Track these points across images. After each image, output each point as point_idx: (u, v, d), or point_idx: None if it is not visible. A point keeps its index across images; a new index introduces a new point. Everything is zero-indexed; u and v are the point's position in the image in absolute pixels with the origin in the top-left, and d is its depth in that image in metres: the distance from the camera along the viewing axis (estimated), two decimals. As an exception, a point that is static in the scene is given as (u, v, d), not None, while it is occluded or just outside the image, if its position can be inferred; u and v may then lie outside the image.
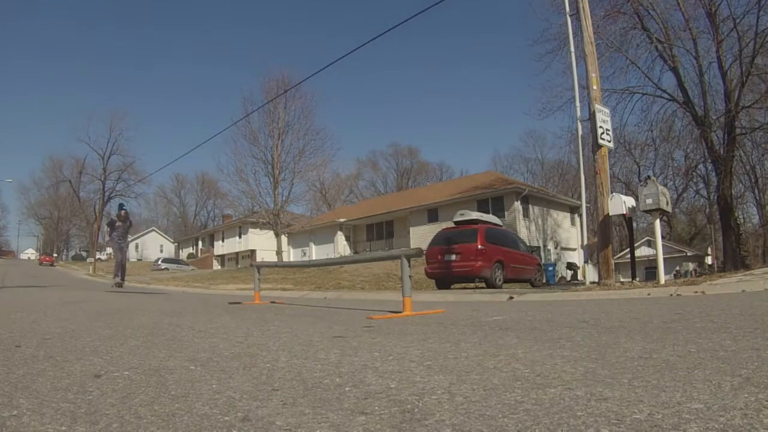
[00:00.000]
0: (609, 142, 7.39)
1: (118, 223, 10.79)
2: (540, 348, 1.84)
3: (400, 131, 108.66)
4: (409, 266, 3.53)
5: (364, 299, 6.61)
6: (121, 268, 11.11)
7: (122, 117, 53.25)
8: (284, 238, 30.75)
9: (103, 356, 1.86)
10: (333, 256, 26.06)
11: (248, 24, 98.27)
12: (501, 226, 14.32)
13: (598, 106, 7.31)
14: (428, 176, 65.39)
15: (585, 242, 10.59)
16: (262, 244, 38.15)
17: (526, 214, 25.80)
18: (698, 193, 27.81)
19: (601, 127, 7.24)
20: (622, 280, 10.73)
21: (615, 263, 9.02)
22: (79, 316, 3.62)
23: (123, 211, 10.98)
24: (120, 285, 10.98)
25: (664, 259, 7.36)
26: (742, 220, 25.39)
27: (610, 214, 7.13)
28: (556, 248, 27.35)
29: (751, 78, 13.92)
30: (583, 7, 7.70)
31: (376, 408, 1.11)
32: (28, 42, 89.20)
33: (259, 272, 5.88)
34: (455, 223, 12.95)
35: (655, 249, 7.44)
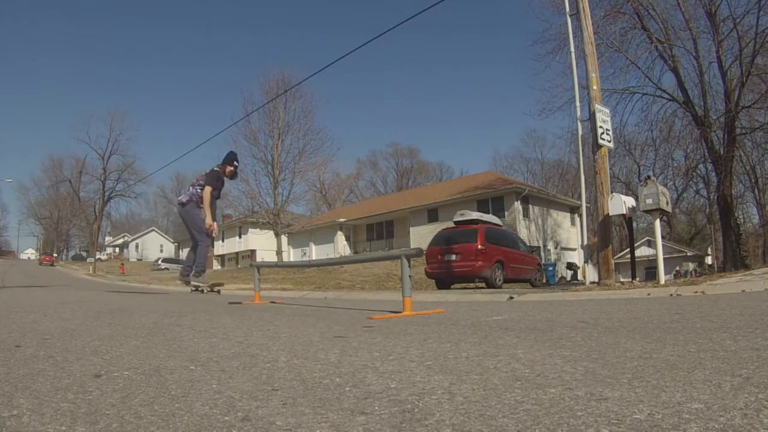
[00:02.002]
0: (609, 142, 7.39)
1: (220, 182, 6.87)
2: (540, 348, 1.84)
3: (400, 131, 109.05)
4: (409, 266, 3.52)
5: (364, 299, 6.61)
6: (201, 257, 6.73)
7: (122, 117, 53.29)
8: (284, 238, 30.77)
9: (103, 356, 1.86)
10: (333, 256, 26.06)
11: (248, 24, 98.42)
12: (501, 226, 14.33)
13: (598, 106, 7.31)
14: (428, 176, 65.44)
15: (585, 242, 10.58)
16: (262, 244, 38.17)
17: (526, 214, 25.81)
18: (698, 193, 27.88)
19: (601, 127, 7.24)
20: (622, 280, 10.72)
21: (615, 263, 9.01)
22: (79, 315, 3.62)
23: (235, 166, 6.88)
24: (218, 289, 7.29)
25: (664, 259, 7.36)
26: (742, 220, 25.43)
27: (610, 214, 7.13)
28: (556, 248, 27.36)
29: (751, 78, 13.92)
30: (583, 7, 7.70)
31: (376, 408, 1.11)
32: (28, 42, 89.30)
33: (259, 272, 5.86)
34: (455, 223, 12.95)
35: (655, 249, 7.44)
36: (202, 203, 6.46)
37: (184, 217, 6.58)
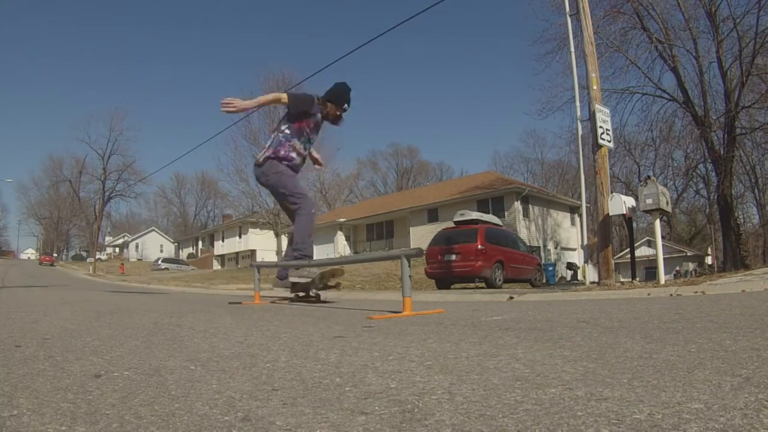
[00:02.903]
0: (609, 142, 7.40)
1: (317, 117, 4.59)
2: (540, 348, 1.84)
3: (400, 131, 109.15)
4: (409, 266, 3.52)
5: (364, 299, 6.61)
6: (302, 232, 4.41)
7: (122, 117, 53.31)
8: (284, 238, 30.74)
9: (103, 356, 1.86)
10: (333, 256, 26.06)
11: (248, 24, 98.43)
12: (501, 226, 14.33)
13: (598, 106, 7.31)
14: (428, 176, 65.48)
15: (585, 242, 10.59)
16: (262, 244, 38.17)
17: (526, 214, 25.81)
18: (698, 193, 27.92)
19: (601, 127, 7.25)
20: (622, 280, 10.72)
21: (615, 263, 9.01)
22: (79, 315, 3.62)
23: (344, 110, 4.62)
24: (335, 282, 4.83)
25: (664, 259, 7.36)
26: (742, 220, 25.44)
27: (610, 214, 7.14)
28: (556, 248, 27.36)
29: (751, 78, 13.94)
30: (583, 7, 7.70)
31: (376, 408, 1.11)
32: (28, 42, 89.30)
33: (259, 272, 5.85)
34: (455, 223, 12.96)
35: (655, 249, 7.44)
36: (282, 153, 4.37)
37: (264, 182, 4.50)
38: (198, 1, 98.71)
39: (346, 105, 4.61)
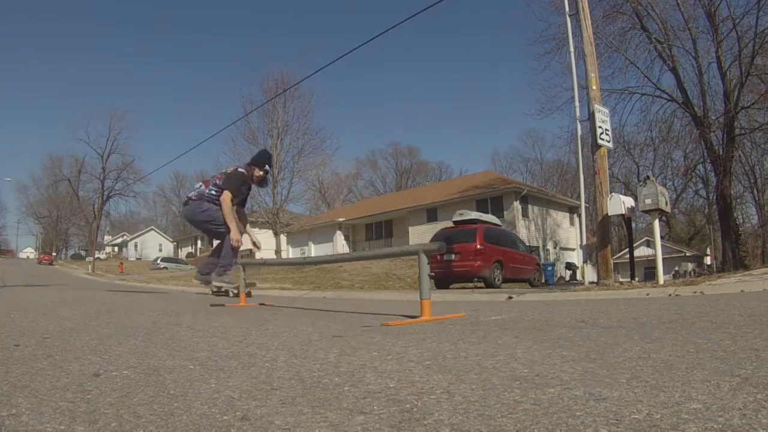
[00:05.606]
0: (608, 142, 7.40)
1: (245, 187, 5.30)
2: (539, 348, 1.84)
3: (400, 131, 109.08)
4: (428, 263, 3.00)
5: (365, 299, 6.61)
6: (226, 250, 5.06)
7: (121, 116, 52.91)
8: (283, 238, 30.77)
9: (101, 355, 1.86)
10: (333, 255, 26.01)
11: (248, 24, 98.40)
12: (500, 225, 14.34)
13: (597, 106, 7.31)
14: (427, 176, 65.42)
15: (584, 242, 10.59)
16: (261, 243, 38.11)
17: (525, 214, 25.82)
18: (697, 194, 27.95)
19: (600, 127, 7.25)
20: (621, 280, 10.73)
21: (614, 263, 9.02)
22: (77, 315, 3.61)
23: (266, 171, 5.33)
24: (247, 290, 5.33)
25: (663, 259, 7.36)
26: (741, 221, 25.45)
27: (609, 214, 7.14)
28: (555, 248, 27.36)
29: (751, 78, 13.94)
30: (583, 7, 7.71)
31: (375, 407, 1.11)
32: (28, 42, 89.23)
33: (245, 270, 5.14)
34: (454, 222, 12.96)
35: (654, 249, 7.44)
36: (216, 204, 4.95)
37: (191, 217, 5.13)
38: (198, 1, 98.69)
39: (267, 166, 5.38)
